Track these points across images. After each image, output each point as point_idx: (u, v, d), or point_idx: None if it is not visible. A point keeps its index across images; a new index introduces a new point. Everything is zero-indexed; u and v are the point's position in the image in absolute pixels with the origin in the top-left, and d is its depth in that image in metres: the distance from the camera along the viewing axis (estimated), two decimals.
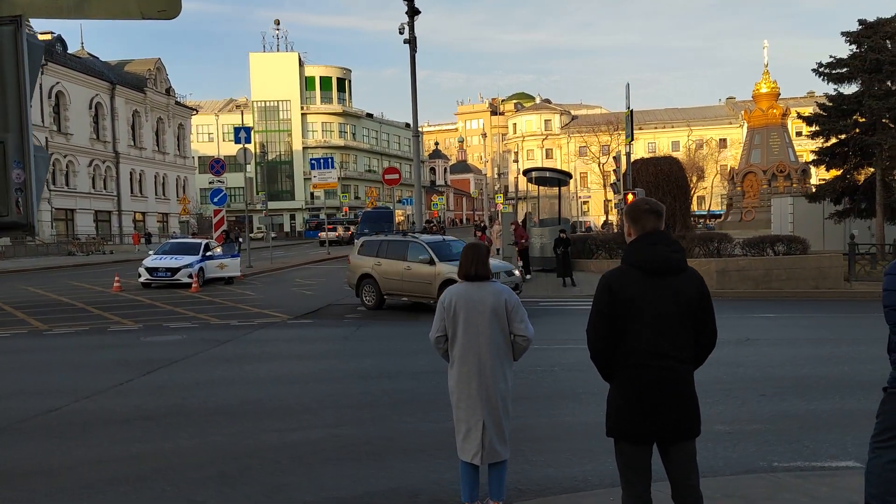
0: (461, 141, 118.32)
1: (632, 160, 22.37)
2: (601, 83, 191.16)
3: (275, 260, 32.06)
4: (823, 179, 32.11)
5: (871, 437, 3.99)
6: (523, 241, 20.57)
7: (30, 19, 2.91)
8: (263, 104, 79.95)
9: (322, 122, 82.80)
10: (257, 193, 60.91)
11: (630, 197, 19.37)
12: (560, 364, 9.82)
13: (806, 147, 60.33)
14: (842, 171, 26.69)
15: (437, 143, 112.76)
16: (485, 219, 77.31)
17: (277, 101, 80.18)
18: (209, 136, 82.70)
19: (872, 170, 25.63)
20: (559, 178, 24.53)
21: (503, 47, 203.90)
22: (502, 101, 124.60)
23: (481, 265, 4.64)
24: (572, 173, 28.47)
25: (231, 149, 56.62)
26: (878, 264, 20.99)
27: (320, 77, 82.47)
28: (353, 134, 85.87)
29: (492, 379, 4.56)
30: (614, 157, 22.23)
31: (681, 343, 3.33)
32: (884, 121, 24.66)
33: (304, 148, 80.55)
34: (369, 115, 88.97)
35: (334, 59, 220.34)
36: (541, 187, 25.68)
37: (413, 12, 26.31)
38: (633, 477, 3.40)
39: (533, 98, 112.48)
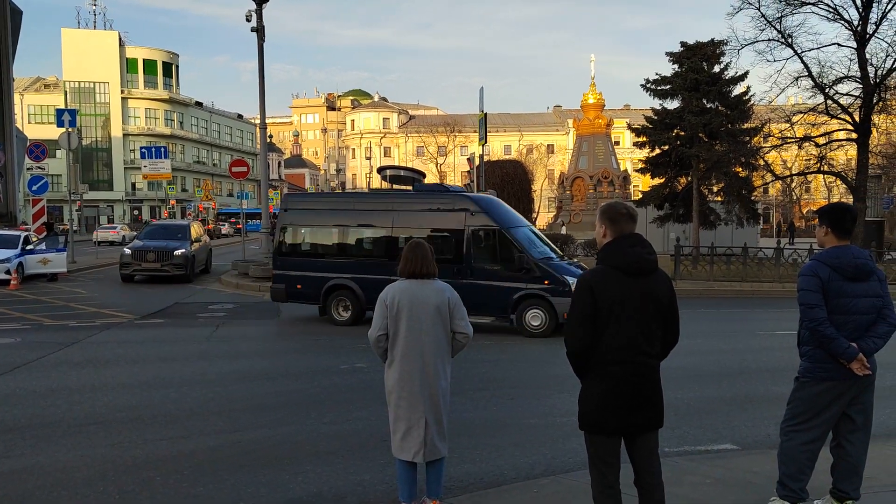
0: (296, 135, 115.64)
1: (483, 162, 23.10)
2: (437, 84, 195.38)
3: (101, 255, 29.50)
4: (649, 186, 34.89)
5: (782, 422, 4.42)
6: None
7: None
8: (77, 85, 73.17)
9: (146, 109, 77.29)
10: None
11: None
12: (487, 360, 9.95)
13: (624, 156, 65.59)
14: (664, 179, 29.32)
15: (270, 137, 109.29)
16: None
17: (94, 83, 73.72)
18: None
19: (690, 179, 28.37)
20: (413, 178, 24.68)
21: (341, 42, 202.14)
22: (339, 96, 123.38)
23: (425, 263, 4.59)
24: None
25: (39, 132, 51.19)
26: (698, 265, 23.29)
27: (144, 60, 76.95)
28: (181, 123, 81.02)
29: (434, 377, 4.53)
30: (468, 159, 22.79)
31: (654, 339, 3.53)
32: (700, 135, 27.39)
33: (124, 135, 74.77)
34: (199, 104, 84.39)
35: (160, 41, 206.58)
36: (394, 185, 25.72)
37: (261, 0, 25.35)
38: (606, 468, 3.54)
39: (370, 95, 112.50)
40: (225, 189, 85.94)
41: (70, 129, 26.29)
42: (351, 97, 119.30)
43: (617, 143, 63.99)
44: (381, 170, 25.43)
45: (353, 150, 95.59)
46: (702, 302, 18.68)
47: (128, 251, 20.99)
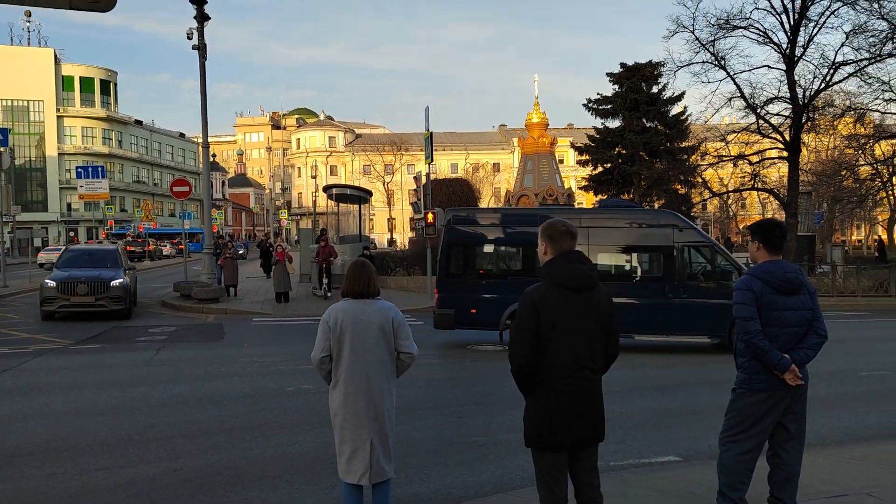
0: (240, 154, 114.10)
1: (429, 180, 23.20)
2: (384, 103, 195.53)
3: (34, 279, 28.42)
4: (593, 203, 35.55)
5: (721, 433, 4.53)
6: (332, 258, 20.38)
7: None
8: (10, 103, 70.75)
9: (83, 127, 75.12)
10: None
11: (430, 216, 20.05)
12: (435, 379, 9.87)
13: (568, 174, 66.72)
14: (607, 196, 29.96)
15: (214, 155, 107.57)
16: (270, 235, 75.19)
17: (27, 101, 71.39)
18: None
19: (632, 196, 29.06)
20: (360, 196, 24.69)
21: (286, 61, 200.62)
22: (284, 115, 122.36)
23: (370, 282, 4.57)
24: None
25: None
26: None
27: (80, 77, 74.90)
28: (120, 141, 78.98)
29: (379, 397, 4.50)
30: (415, 177, 22.86)
31: (596, 354, 3.59)
32: (641, 153, 28.16)
33: (59, 154, 72.47)
34: (138, 122, 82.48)
35: (98, 59, 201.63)
36: (340, 204, 25.66)
37: (203, 17, 25.01)
38: (555, 483, 3.57)
39: (316, 114, 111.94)
40: (166, 209, 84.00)
41: (1, 149, 25.39)
42: (296, 116, 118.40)
43: (561, 161, 65.08)
44: (327, 188, 25.35)
45: (299, 168, 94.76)
46: None
47: (50, 283, 17.00)
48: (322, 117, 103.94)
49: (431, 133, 20.88)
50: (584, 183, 32.27)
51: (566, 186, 51.31)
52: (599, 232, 12.64)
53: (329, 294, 20.15)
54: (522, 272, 12.85)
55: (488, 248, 13.44)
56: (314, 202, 65.01)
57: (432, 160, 20.78)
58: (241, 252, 24.36)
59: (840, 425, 7.65)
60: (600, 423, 3.63)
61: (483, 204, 62.72)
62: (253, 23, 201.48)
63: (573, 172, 67.10)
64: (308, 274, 24.13)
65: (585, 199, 46.35)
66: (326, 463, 5.88)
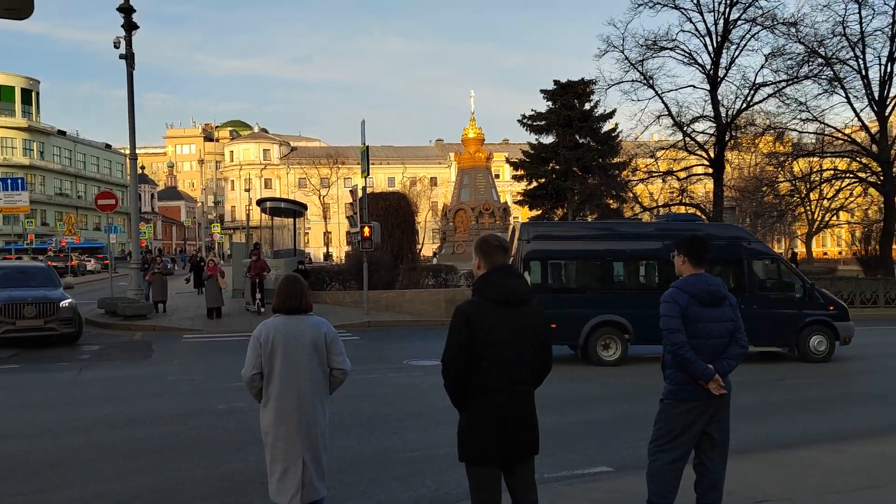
0: (171, 166, 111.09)
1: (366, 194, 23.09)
2: (320, 116, 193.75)
3: None
4: (528, 218, 36.07)
5: (650, 442, 4.64)
6: (265, 272, 20.00)
7: None
8: None
9: (2, 138, 71.91)
10: None
11: (367, 230, 19.94)
12: (371, 395, 9.74)
13: (504, 188, 67.54)
14: (542, 210, 30.46)
15: (142, 167, 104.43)
16: (202, 249, 73.35)
17: None
18: None
19: (566, 210, 29.64)
20: (295, 209, 24.35)
21: (219, 72, 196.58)
22: (217, 127, 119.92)
23: (302, 298, 4.51)
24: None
25: None
26: None
27: (0, 86, 71.84)
28: (42, 152, 75.88)
29: (312, 414, 4.43)
30: (351, 191, 22.71)
31: (529, 368, 3.63)
32: (574, 169, 28.76)
33: None
34: (61, 133, 79.44)
35: (19, 67, 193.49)
36: (275, 218, 25.26)
37: (131, 26, 24.37)
38: (488, 497, 3.58)
39: (250, 126, 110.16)
40: (91, 223, 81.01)
41: None
42: (229, 128, 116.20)
43: (497, 176, 65.85)
44: (261, 202, 24.93)
45: (232, 181, 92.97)
46: None
47: None
48: (256, 129, 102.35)
49: (368, 147, 20.81)
50: (519, 197, 32.71)
51: (502, 201, 52.06)
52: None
53: (262, 310, 19.78)
54: (600, 287, 13.20)
55: (566, 263, 13.59)
56: (248, 216, 63.83)
57: (368, 174, 20.71)
58: (169, 267, 23.56)
59: (764, 432, 7.93)
60: (534, 437, 3.67)
61: (420, 218, 63.03)
62: (185, 33, 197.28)
63: (509, 187, 67.96)
64: (241, 289, 23.64)
65: (521, 213, 46.97)
66: (258, 483, 5.75)
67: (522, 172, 30.42)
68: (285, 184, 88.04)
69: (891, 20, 29.54)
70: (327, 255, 66.78)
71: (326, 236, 77.91)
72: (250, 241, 36.50)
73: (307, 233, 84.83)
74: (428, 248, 63.05)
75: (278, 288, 4.58)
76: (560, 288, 13.55)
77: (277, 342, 4.39)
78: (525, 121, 29.94)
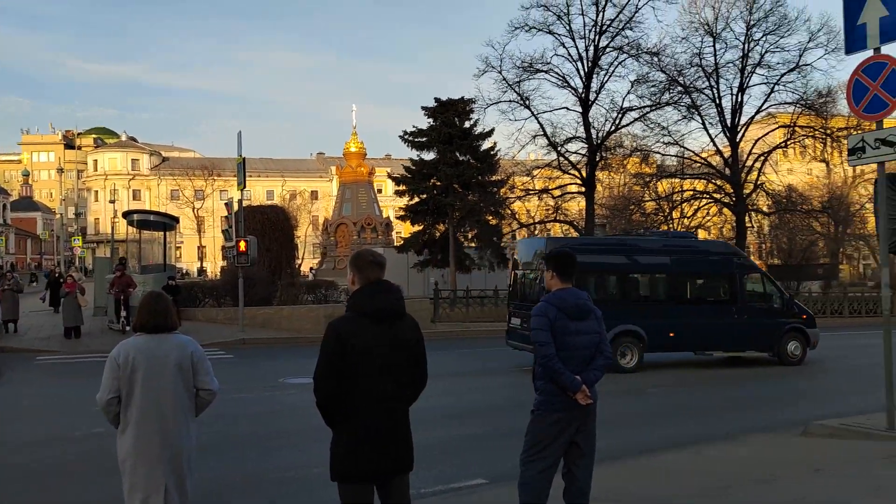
0: (26, 175, 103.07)
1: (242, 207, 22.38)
2: (195, 126, 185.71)
3: None
4: (410, 233, 36.25)
5: (521, 453, 4.73)
6: (131, 288, 18.87)
7: None
8: None
9: None
10: None
11: (243, 244, 19.33)
12: (246, 415, 9.32)
13: (387, 203, 67.67)
14: (423, 226, 30.69)
15: None
16: (60, 264, 68.47)
17: None
18: None
19: (447, 226, 30.02)
20: (165, 222, 23.21)
21: (84, 76, 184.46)
22: (79, 134, 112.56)
23: (166, 316, 4.29)
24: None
25: None
26: (455, 307, 24.55)
27: None
28: None
29: (176, 438, 4.21)
30: (226, 204, 21.93)
31: (403, 384, 3.61)
32: (454, 185, 29.19)
33: None
34: None
35: None
36: (143, 231, 23.97)
37: None
38: None
39: (117, 134, 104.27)
40: None
41: None
42: (94, 135, 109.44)
43: (380, 190, 65.98)
44: (127, 214, 23.65)
45: (96, 192, 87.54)
46: (459, 342, 19.66)
47: None
48: (124, 138, 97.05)
49: (244, 158, 20.23)
50: (401, 213, 32.83)
51: (384, 216, 52.20)
52: (682, 260, 14.72)
53: (127, 328, 18.64)
54: (619, 298, 14.31)
55: (589, 277, 14.00)
56: (112, 229, 60.23)
57: (245, 186, 20.11)
58: (21, 283, 21.59)
59: (633, 439, 8.30)
60: (408, 453, 3.64)
61: (300, 232, 62.01)
62: (47, 33, 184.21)
63: (392, 202, 68.16)
64: (104, 307, 22.20)
65: (403, 229, 47.12)
66: None
67: (404, 188, 30.56)
68: (156, 195, 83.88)
69: (741, 53, 32.20)
70: (201, 271, 64.09)
71: (201, 251, 74.83)
72: (115, 255, 34.41)
73: (179, 247, 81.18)
74: (308, 263, 61.99)
75: (140, 305, 4.34)
76: None
77: (139, 363, 4.14)
78: (407, 137, 30.15)
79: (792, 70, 31.81)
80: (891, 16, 7.55)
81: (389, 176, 34.87)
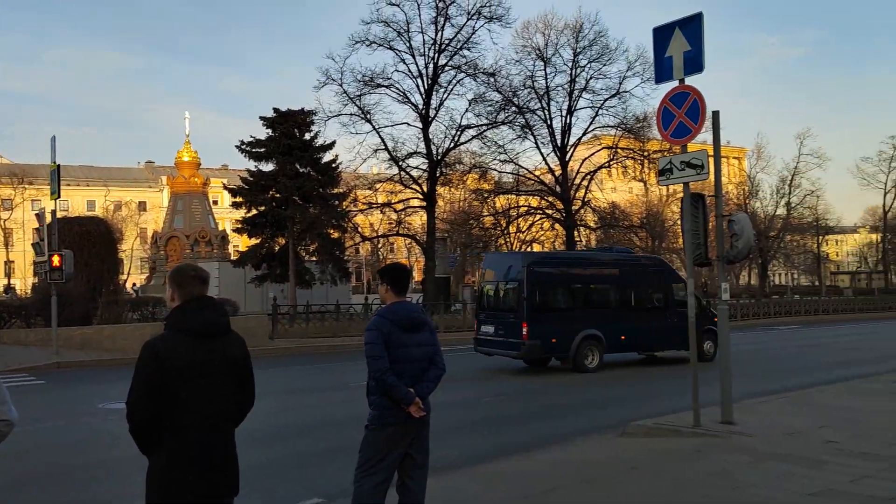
0: None
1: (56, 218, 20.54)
2: (3, 130, 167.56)
3: None
4: (248, 246, 35.03)
5: (356, 468, 4.68)
6: None
7: None
8: None
9: None
10: None
11: (56, 259, 17.73)
12: (49, 445, 8.36)
13: (223, 215, 64.97)
14: (261, 239, 29.76)
15: None
16: None
17: None
18: None
19: (286, 240, 29.31)
20: None
21: None
22: None
23: None
24: None
25: None
26: (295, 323, 23.97)
27: None
28: None
29: None
30: (37, 215, 20.02)
31: (228, 404, 3.44)
32: (294, 198, 28.60)
33: None
34: None
35: None
36: None
37: None
38: None
39: None
40: None
41: None
42: None
43: (215, 202, 63.30)
44: None
45: None
46: (298, 359, 19.23)
47: None
48: None
49: (59, 165, 18.62)
50: (238, 225, 31.63)
51: (220, 228, 50.02)
52: (630, 274, 16.95)
53: None
54: (583, 306, 16.13)
55: (560, 287, 16.20)
56: None
57: (59, 195, 18.47)
58: None
59: (468, 448, 8.48)
60: (234, 476, 3.47)
61: (125, 246, 58.13)
62: None
63: (228, 214, 65.58)
64: None
65: (241, 242, 45.48)
66: None
67: (242, 199, 29.49)
68: None
69: (569, 78, 34.36)
70: (9, 289, 57.95)
71: (8, 266, 67.78)
72: None
73: None
74: (135, 278, 58.10)
75: None
76: (555, 308, 16.05)
77: None
78: (244, 147, 29.14)
79: (613, 96, 34.44)
80: (693, 50, 8.37)
81: (226, 187, 33.53)
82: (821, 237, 64.29)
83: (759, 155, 57.04)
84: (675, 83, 8.56)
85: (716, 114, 8.56)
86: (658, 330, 16.57)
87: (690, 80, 8.45)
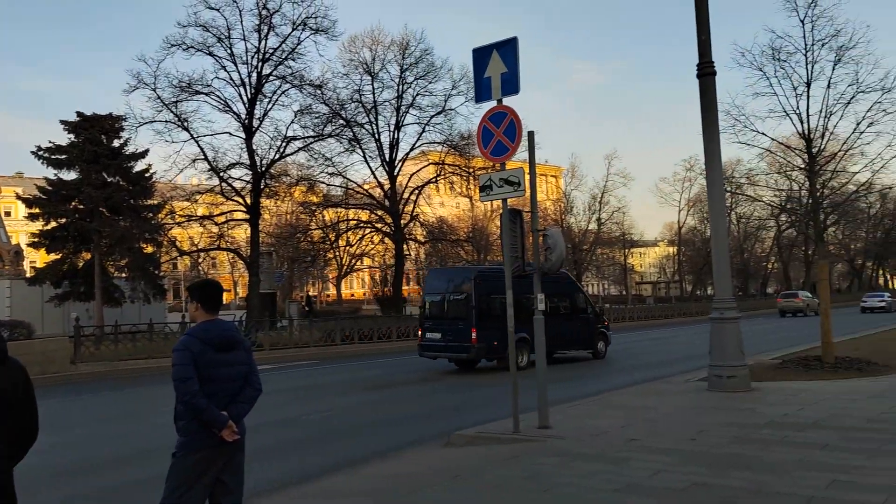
0: None
1: None
2: None
3: None
4: (46, 262, 31.84)
5: (163, 499, 4.33)
6: None
7: None
8: None
9: None
10: None
11: None
12: None
13: (18, 228, 58.60)
14: (63, 254, 27.16)
15: None
16: None
17: None
18: None
19: (92, 254, 26.96)
20: None
21: None
22: None
23: None
24: None
25: None
26: (102, 345, 22.05)
27: None
28: None
29: None
30: None
31: (3, 440, 3.03)
32: (102, 209, 26.43)
33: None
34: None
35: None
36: None
37: None
38: None
39: None
40: None
41: None
42: None
43: (8, 213, 57.21)
44: None
45: None
46: (108, 383, 17.80)
47: None
48: None
49: None
50: (34, 239, 28.61)
51: (14, 242, 45.03)
52: (547, 283, 17.71)
53: None
54: (516, 313, 16.24)
55: (493, 296, 17.46)
56: None
57: None
58: None
59: (291, 467, 8.19)
60: None
61: None
62: None
63: (24, 227, 59.38)
64: None
65: (38, 258, 41.36)
66: None
67: (39, 210, 26.72)
68: None
69: (396, 94, 34.86)
70: None
71: None
72: None
73: None
74: None
75: None
76: (496, 315, 17.23)
77: None
78: (42, 153, 26.44)
79: (439, 113, 35.41)
80: (509, 72, 8.77)
81: (19, 197, 30.30)
82: (627, 250, 70.27)
83: (574, 174, 61.39)
84: (494, 103, 8.91)
85: (531, 134, 9.02)
86: (569, 333, 19.44)
87: (508, 101, 8.83)
